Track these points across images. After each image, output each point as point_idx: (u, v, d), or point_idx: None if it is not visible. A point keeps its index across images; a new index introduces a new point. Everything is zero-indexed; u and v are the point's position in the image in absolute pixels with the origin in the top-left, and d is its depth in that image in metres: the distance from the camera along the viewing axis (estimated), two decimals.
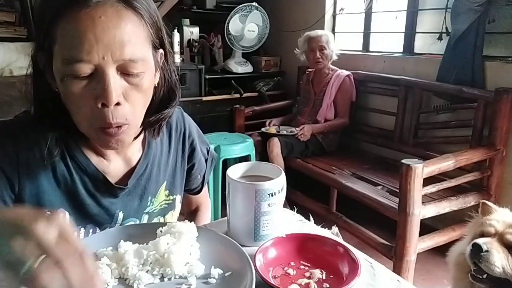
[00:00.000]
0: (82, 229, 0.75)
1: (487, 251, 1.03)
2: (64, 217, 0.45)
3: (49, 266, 0.38)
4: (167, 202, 0.86)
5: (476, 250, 1.05)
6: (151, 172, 0.81)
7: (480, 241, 1.05)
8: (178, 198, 0.89)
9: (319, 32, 2.76)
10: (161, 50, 0.69)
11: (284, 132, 2.73)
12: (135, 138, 0.74)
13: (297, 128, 2.69)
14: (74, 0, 0.57)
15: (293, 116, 3.04)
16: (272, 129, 2.80)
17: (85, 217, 0.74)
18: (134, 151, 0.79)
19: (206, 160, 0.95)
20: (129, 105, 0.63)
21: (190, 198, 1.02)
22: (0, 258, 0.39)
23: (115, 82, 0.60)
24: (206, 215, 1.05)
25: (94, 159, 0.74)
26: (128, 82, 0.62)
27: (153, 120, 0.74)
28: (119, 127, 0.63)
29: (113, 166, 0.77)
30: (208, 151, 0.96)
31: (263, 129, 2.85)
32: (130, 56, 0.60)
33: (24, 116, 0.72)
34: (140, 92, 0.64)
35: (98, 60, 0.58)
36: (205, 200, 1.06)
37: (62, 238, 0.40)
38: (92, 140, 0.69)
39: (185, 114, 0.91)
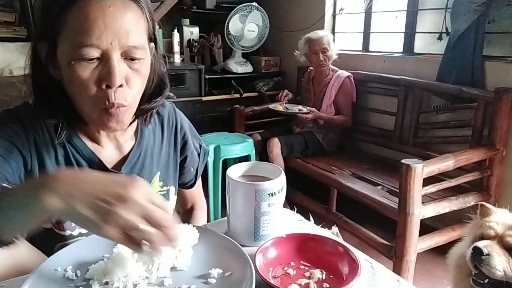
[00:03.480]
0: None
1: (488, 254, 1.03)
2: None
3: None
4: (161, 193, 0.90)
5: (477, 253, 1.04)
6: (144, 161, 0.85)
7: (480, 244, 1.04)
8: (172, 190, 0.93)
9: (319, 33, 2.73)
10: (152, 43, 0.75)
11: (290, 111, 2.70)
12: (129, 125, 0.78)
13: (307, 107, 2.68)
14: None
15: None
16: (279, 107, 2.77)
17: None
18: (127, 139, 0.84)
19: (198, 154, 0.99)
20: (129, 88, 0.69)
21: (185, 196, 1.05)
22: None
23: (120, 66, 0.66)
24: (202, 215, 1.08)
25: (89, 144, 0.79)
26: (130, 67, 0.68)
27: (145, 108, 0.80)
28: (119, 108, 0.68)
29: (106, 153, 0.80)
30: (200, 146, 1.00)
31: (270, 106, 2.86)
32: (134, 43, 0.66)
33: (25, 105, 0.77)
34: (140, 77, 0.70)
35: (106, 45, 0.64)
36: (200, 199, 1.10)
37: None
38: (92, 122, 0.73)
39: (177, 109, 0.96)
